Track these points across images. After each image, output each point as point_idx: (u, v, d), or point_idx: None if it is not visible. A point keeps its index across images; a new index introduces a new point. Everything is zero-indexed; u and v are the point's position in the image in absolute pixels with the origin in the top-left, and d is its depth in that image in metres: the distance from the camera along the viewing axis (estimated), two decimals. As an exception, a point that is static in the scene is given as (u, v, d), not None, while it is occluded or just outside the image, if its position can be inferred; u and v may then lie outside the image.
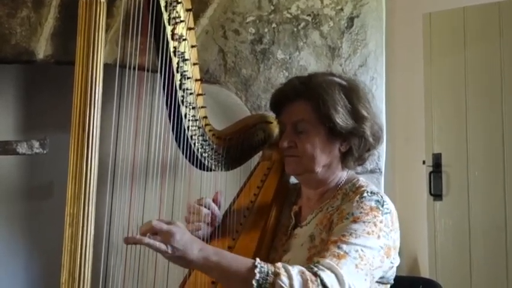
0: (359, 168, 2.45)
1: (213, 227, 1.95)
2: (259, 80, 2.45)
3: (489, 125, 3.40)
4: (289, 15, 2.49)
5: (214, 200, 1.94)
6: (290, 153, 1.85)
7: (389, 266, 1.73)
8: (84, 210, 1.52)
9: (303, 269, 1.52)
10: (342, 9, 2.52)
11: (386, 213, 1.70)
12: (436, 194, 3.68)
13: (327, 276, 1.51)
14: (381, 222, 1.67)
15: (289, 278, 1.49)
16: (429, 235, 3.74)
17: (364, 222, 1.65)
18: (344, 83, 1.86)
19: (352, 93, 1.84)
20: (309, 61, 2.49)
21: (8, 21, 2.25)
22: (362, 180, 1.87)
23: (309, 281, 1.49)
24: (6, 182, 2.55)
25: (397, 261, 1.77)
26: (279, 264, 1.53)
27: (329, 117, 1.78)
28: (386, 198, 1.75)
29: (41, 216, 2.52)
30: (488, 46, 3.39)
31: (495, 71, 3.35)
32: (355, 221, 1.65)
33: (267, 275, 1.50)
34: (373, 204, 1.70)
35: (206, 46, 2.43)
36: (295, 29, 2.49)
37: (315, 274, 1.51)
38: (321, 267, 1.53)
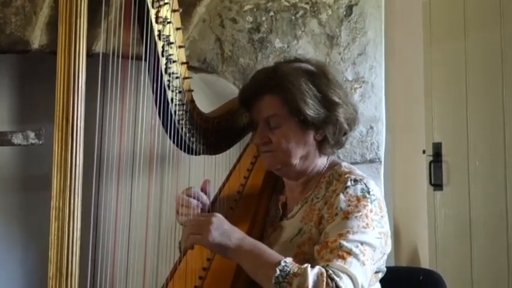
0: (358, 158, 2.45)
1: None
2: (257, 69, 2.41)
3: (490, 113, 3.38)
4: (287, 3, 2.46)
5: (203, 189, 1.92)
6: (265, 149, 1.84)
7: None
8: (70, 203, 1.49)
9: (323, 270, 1.52)
10: (340, -3, 2.50)
11: (373, 200, 1.70)
12: (437, 183, 3.66)
13: (342, 281, 1.51)
14: (371, 211, 1.67)
15: (305, 279, 1.49)
16: (429, 225, 3.73)
17: (356, 217, 1.64)
18: (311, 68, 1.84)
19: (321, 79, 1.81)
20: (307, 50, 2.46)
21: (3, 11, 2.23)
22: (344, 165, 1.86)
23: (324, 284, 1.49)
24: (1, 173, 2.53)
25: (388, 249, 1.75)
26: (303, 266, 1.54)
27: (299, 110, 1.75)
28: (371, 184, 1.73)
29: (37, 207, 2.50)
30: (488, 34, 3.36)
31: (495, 59, 3.32)
32: (347, 218, 1.64)
33: (287, 274, 1.52)
34: (359, 193, 1.69)
35: (203, 35, 2.40)
36: (293, 17, 2.47)
37: (331, 278, 1.51)
38: (334, 270, 1.53)
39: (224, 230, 1.63)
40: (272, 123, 1.81)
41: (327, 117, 1.78)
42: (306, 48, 2.47)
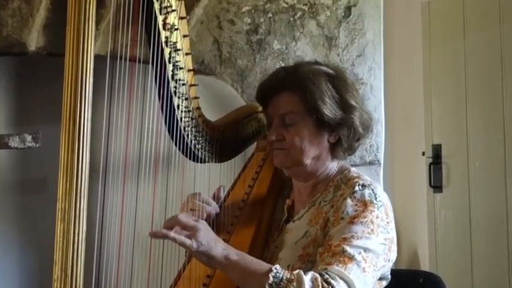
0: (358, 160, 2.44)
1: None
2: (255, 70, 2.42)
3: (489, 115, 3.36)
4: (285, 5, 2.45)
5: (215, 195, 1.94)
6: (278, 146, 1.83)
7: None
8: (76, 205, 1.50)
9: (316, 275, 1.52)
10: (339, -2, 2.49)
11: (380, 206, 1.69)
12: (436, 185, 3.64)
13: (340, 285, 1.51)
14: (377, 217, 1.66)
15: (301, 284, 1.49)
16: (429, 227, 3.71)
17: (362, 222, 1.64)
18: (331, 71, 1.84)
19: (340, 82, 1.81)
20: (305, 51, 2.46)
21: (-1, 13, 2.23)
22: (353, 170, 1.86)
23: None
24: (-2, 176, 2.53)
25: (394, 255, 1.74)
26: (295, 271, 1.53)
27: (317, 109, 1.75)
28: (378, 190, 1.73)
29: (34, 210, 2.50)
30: (488, 34, 3.35)
31: (495, 59, 3.30)
32: (353, 222, 1.64)
33: (281, 281, 1.51)
34: (366, 198, 1.69)
35: (201, 37, 2.39)
36: (291, 19, 2.46)
37: (327, 282, 1.50)
38: (331, 274, 1.53)
39: (210, 239, 1.58)
40: (287, 121, 1.81)
41: (343, 119, 1.78)
42: (304, 49, 2.46)
